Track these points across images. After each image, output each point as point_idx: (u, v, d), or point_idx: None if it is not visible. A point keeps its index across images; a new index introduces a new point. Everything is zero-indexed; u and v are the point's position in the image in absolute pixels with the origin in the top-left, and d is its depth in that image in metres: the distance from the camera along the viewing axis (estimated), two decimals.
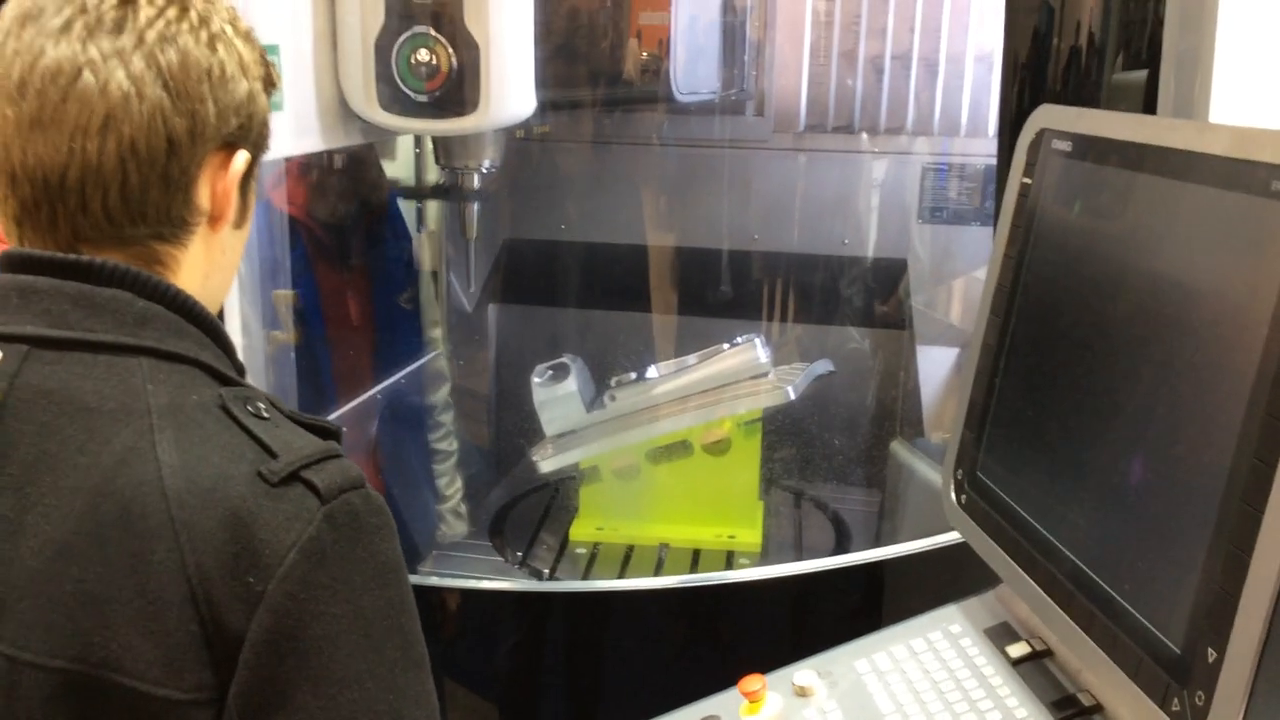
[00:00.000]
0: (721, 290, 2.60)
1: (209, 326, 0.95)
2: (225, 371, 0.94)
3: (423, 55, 1.86)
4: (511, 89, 1.90)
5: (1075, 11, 1.81)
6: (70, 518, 0.83)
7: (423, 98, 1.87)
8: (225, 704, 0.84)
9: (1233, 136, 0.92)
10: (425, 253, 2.52)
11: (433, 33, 1.85)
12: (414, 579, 1.89)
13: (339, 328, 2.27)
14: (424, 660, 0.93)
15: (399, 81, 1.87)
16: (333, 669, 0.85)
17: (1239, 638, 0.83)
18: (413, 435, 2.44)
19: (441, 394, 2.46)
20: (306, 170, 2.15)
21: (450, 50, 1.85)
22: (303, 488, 0.86)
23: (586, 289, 2.64)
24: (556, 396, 2.19)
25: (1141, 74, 1.79)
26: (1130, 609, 0.97)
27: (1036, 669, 1.16)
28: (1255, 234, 0.89)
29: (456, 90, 1.87)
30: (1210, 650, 0.86)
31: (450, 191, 2.22)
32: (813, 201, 2.61)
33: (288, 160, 2.02)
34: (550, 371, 2.22)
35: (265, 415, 0.90)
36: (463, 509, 2.43)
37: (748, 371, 2.18)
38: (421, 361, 2.52)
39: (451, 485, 2.43)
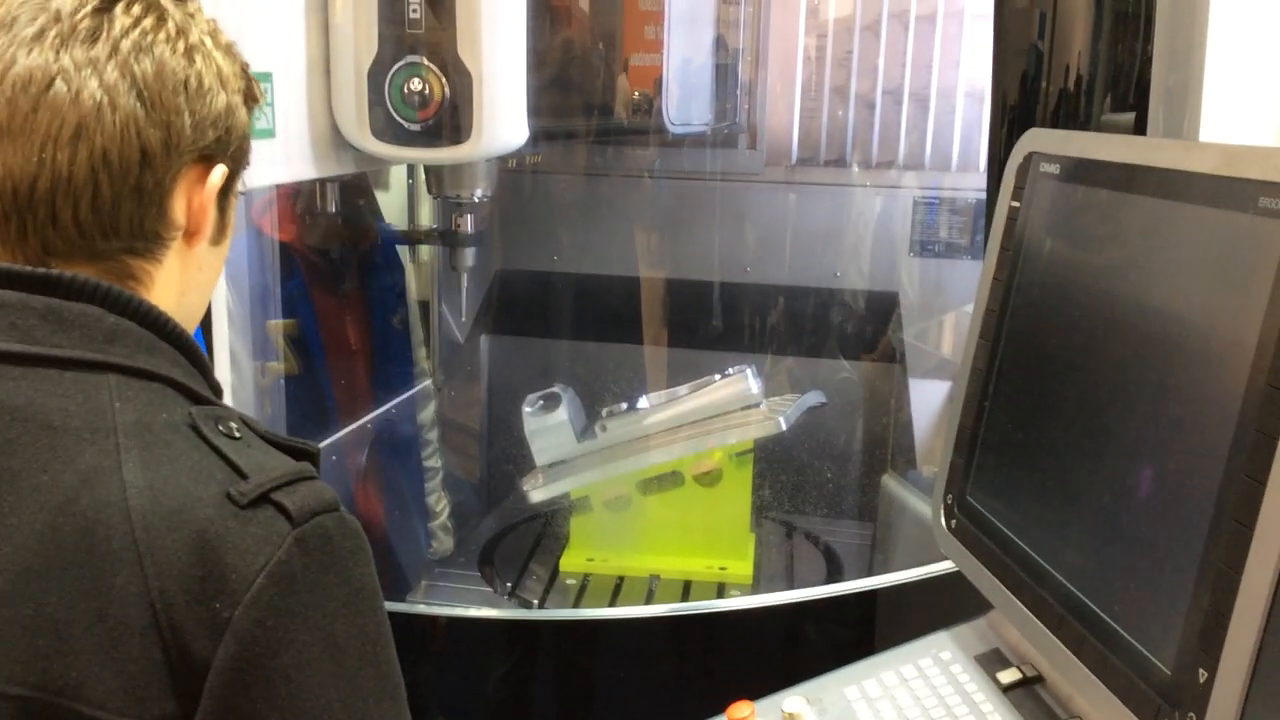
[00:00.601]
0: (713, 323, 2.60)
1: (183, 344, 0.92)
2: (198, 390, 0.91)
3: (415, 84, 1.86)
4: (504, 118, 1.90)
5: (1064, 54, 1.82)
6: (31, 539, 0.79)
7: (415, 127, 1.87)
8: None
9: (1220, 154, 0.92)
10: (414, 283, 2.52)
11: (425, 62, 1.85)
12: (402, 607, 1.89)
13: (333, 357, 2.26)
14: (400, 691, 0.89)
15: (392, 110, 1.87)
16: (302, 699, 0.82)
17: (1230, 657, 0.83)
18: (403, 464, 2.43)
19: (428, 413, 2.45)
20: (298, 198, 2.15)
21: (443, 79, 1.85)
22: (273, 510, 0.83)
23: (578, 320, 2.64)
24: (547, 426, 2.18)
25: (1130, 116, 1.80)
26: (1120, 631, 0.97)
27: (1027, 695, 1.15)
28: (1243, 251, 0.89)
29: (449, 119, 1.87)
30: (1201, 670, 0.85)
31: (445, 235, 2.22)
32: (804, 234, 2.62)
33: (279, 187, 2.02)
34: (541, 401, 2.21)
35: (237, 435, 0.87)
36: (450, 524, 2.41)
37: (739, 402, 2.18)
38: (411, 391, 2.52)
39: (440, 503, 2.42)
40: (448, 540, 2.40)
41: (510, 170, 2.58)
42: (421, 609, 1.92)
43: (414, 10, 1.85)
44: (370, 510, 2.26)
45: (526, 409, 2.21)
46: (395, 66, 1.86)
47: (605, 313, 2.58)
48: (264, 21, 1.94)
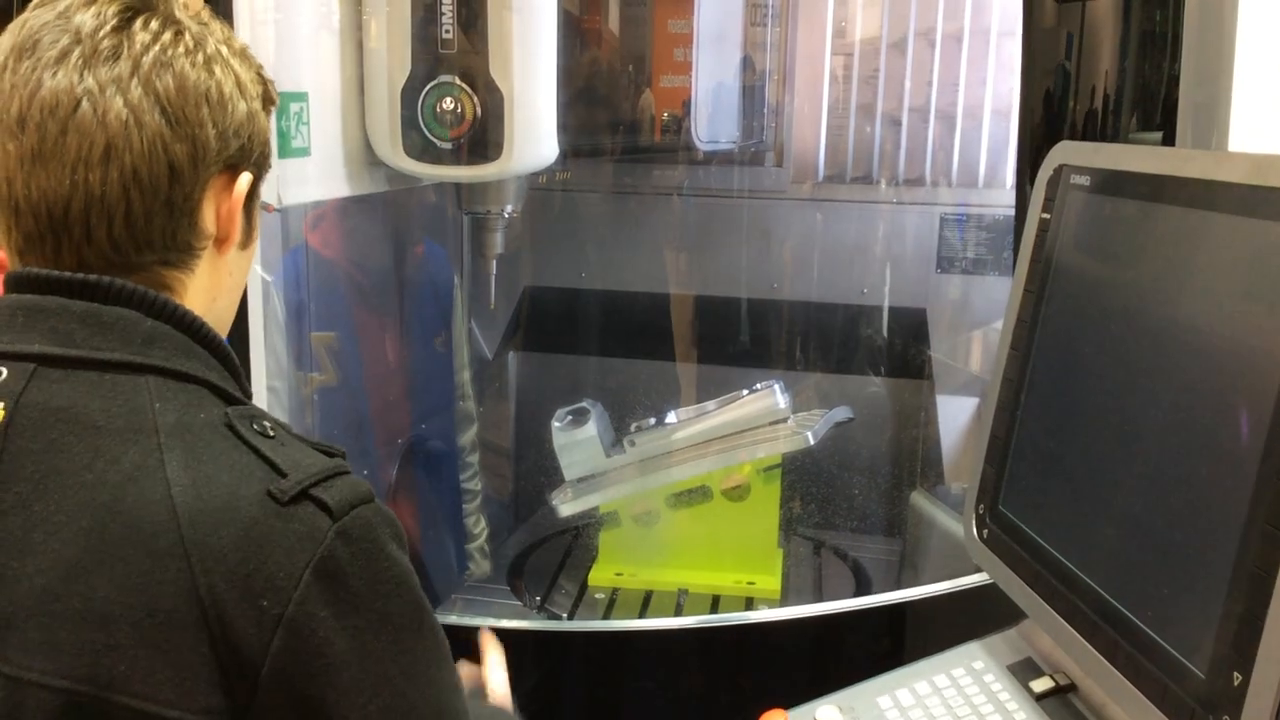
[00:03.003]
0: (741, 339, 2.60)
1: (216, 348, 0.95)
2: (232, 392, 0.94)
3: (448, 103, 1.88)
4: (535, 137, 1.92)
5: (1091, 74, 1.83)
6: (79, 535, 0.82)
7: (447, 145, 1.89)
8: None
9: (1251, 164, 0.93)
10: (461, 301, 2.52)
11: (458, 81, 1.87)
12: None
13: (373, 372, 2.28)
14: (448, 650, 0.94)
15: (424, 129, 1.89)
16: (363, 679, 0.85)
17: (1265, 660, 0.83)
18: (436, 479, 2.44)
19: (469, 436, 2.47)
20: (344, 212, 2.17)
21: (475, 98, 1.87)
22: (313, 506, 0.86)
23: (607, 336, 2.66)
24: (576, 441, 2.20)
25: (1157, 135, 1.81)
26: (1154, 636, 0.97)
27: (1060, 704, 1.16)
28: (1274, 259, 0.90)
29: (481, 137, 1.89)
30: (1235, 674, 0.86)
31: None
32: (831, 251, 2.62)
33: (316, 205, 2.05)
34: (570, 416, 2.22)
35: (271, 434, 0.90)
36: (487, 548, 2.43)
37: (766, 417, 2.18)
38: (443, 408, 2.53)
39: (478, 525, 2.43)
40: (485, 564, 2.41)
41: (539, 188, 2.60)
42: (453, 620, 1.92)
43: (446, 31, 1.88)
44: (402, 522, 2.27)
45: (555, 424, 2.22)
46: (428, 86, 1.88)
47: (633, 329, 2.60)
48: (300, 43, 1.97)
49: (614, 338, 2.64)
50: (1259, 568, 0.85)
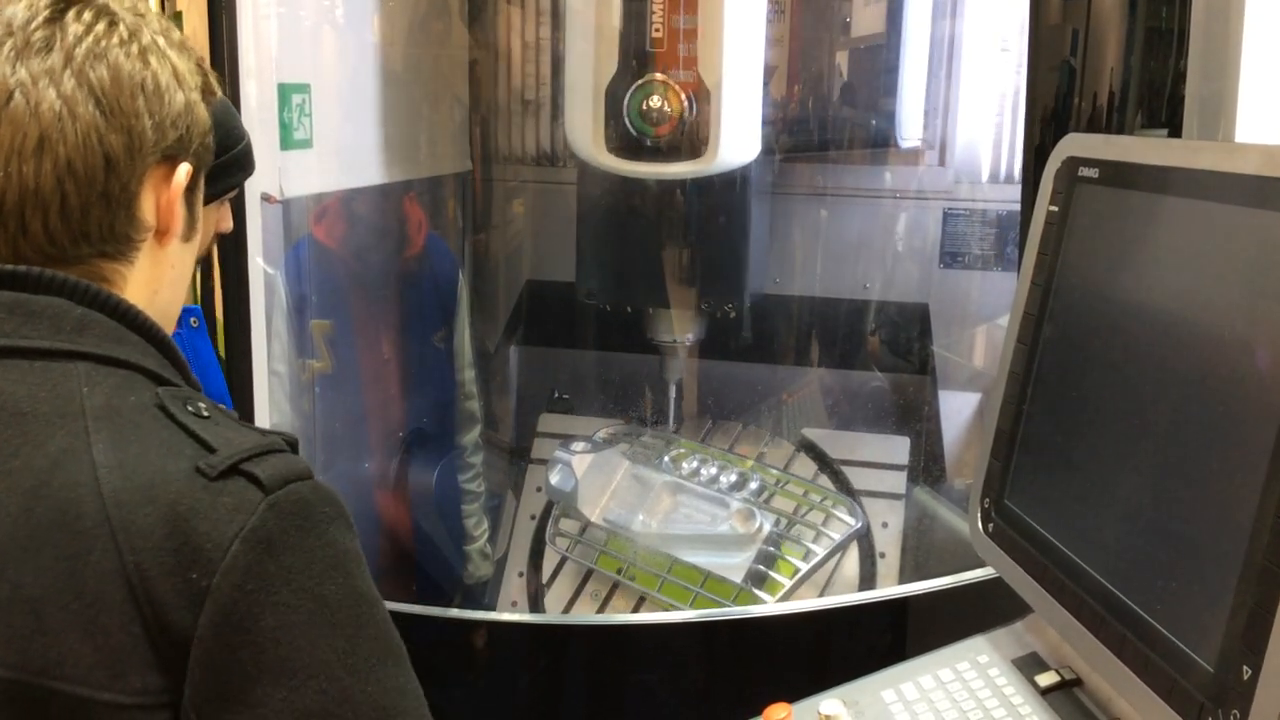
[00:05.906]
0: (744, 334, 2.58)
1: (154, 336, 0.94)
2: (170, 379, 0.93)
3: (655, 101, 1.88)
4: (739, 135, 1.92)
5: (1097, 70, 1.83)
6: (5, 522, 0.81)
7: (653, 142, 1.89)
8: (181, 707, 0.82)
9: (1262, 155, 0.93)
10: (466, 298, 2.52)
11: (666, 79, 1.87)
12: (435, 611, 1.89)
13: (371, 365, 2.27)
14: (403, 652, 0.90)
15: (629, 126, 1.89)
16: (292, 659, 0.82)
17: (1275, 654, 0.83)
18: (433, 475, 2.43)
19: (472, 436, 2.46)
20: (346, 206, 2.16)
21: (682, 96, 1.87)
22: (244, 480, 0.84)
23: (606, 331, 2.63)
24: (564, 493, 2.17)
25: (1163, 131, 1.81)
26: (1162, 630, 0.97)
27: (1066, 698, 1.15)
28: None
29: (686, 135, 1.89)
30: (1245, 667, 0.85)
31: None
32: (834, 246, 2.59)
33: (318, 197, 2.05)
34: (561, 464, 2.18)
35: (205, 414, 0.89)
36: (488, 549, 2.42)
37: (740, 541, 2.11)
38: (443, 405, 2.52)
39: (479, 526, 2.42)
40: (486, 566, 2.40)
41: (542, 183, 2.58)
42: (454, 614, 1.92)
43: (656, 29, 1.86)
44: (401, 517, 2.27)
45: (551, 476, 2.18)
46: (636, 83, 1.87)
47: (634, 323, 2.57)
48: (303, 36, 1.97)
49: (614, 332, 2.61)
50: (1269, 560, 0.84)
